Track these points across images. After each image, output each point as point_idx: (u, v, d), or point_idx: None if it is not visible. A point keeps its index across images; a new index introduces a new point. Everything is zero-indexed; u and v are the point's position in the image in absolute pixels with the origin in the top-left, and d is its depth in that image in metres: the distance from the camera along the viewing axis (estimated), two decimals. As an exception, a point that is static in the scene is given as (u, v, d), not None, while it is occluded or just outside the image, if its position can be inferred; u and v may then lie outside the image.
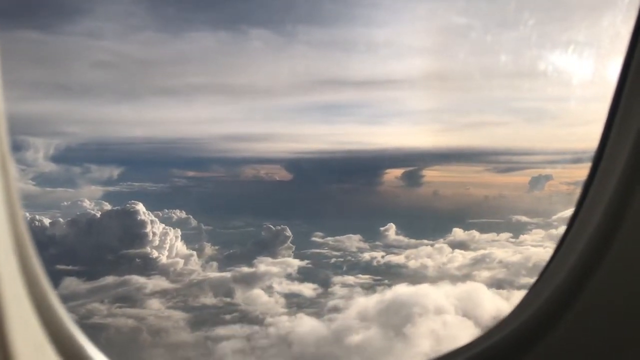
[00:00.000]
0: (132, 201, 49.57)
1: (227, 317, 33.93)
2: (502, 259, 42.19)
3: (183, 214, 58.59)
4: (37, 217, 45.31)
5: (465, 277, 39.83)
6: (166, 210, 58.88)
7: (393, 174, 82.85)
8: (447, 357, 2.23)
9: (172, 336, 30.93)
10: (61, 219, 48.22)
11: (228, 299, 36.81)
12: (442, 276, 40.77)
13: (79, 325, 1.95)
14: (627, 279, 1.92)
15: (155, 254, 45.33)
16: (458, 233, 49.65)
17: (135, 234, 46.07)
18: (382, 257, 46.01)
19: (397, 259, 45.28)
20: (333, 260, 46.23)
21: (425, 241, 48.01)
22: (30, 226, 1.86)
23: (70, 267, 39.61)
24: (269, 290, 37.85)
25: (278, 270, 41.42)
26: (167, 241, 46.92)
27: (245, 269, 41.43)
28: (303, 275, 41.34)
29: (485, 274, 40.09)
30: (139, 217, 47.08)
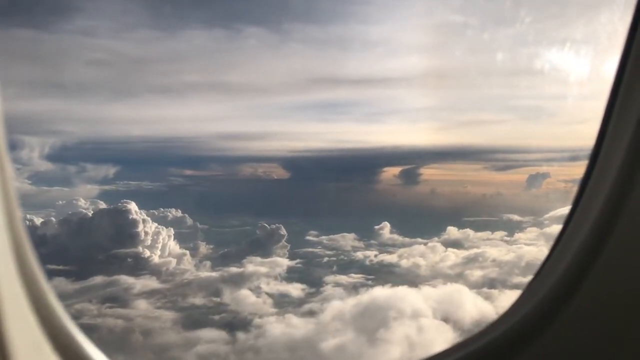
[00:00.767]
0: (125, 200, 49.36)
1: (216, 317, 33.56)
2: (495, 258, 41.92)
3: (179, 213, 58.47)
4: (28, 216, 45.00)
5: (458, 277, 39.60)
6: (162, 209, 58.78)
7: (391, 172, 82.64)
8: (442, 355, 2.22)
9: (156, 337, 30.55)
10: (53, 219, 48.04)
11: (218, 299, 36.46)
12: (434, 275, 40.52)
13: None
14: (623, 277, 1.91)
15: (147, 253, 45.02)
16: (452, 232, 49.56)
17: (126, 233, 45.76)
18: (375, 256, 45.79)
19: (390, 258, 45.04)
20: (326, 259, 45.96)
21: (420, 240, 47.79)
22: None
23: (60, 267, 39.30)
24: (257, 290, 37.50)
25: (266, 270, 41.04)
26: (160, 240, 46.64)
27: (234, 269, 41.10)
28: (292, 275, 41.08)
29: (478, 273, 39.78)
30: (130, 217, 46.78)
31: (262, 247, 50.25)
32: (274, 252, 48.87)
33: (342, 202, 72.58)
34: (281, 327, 31.25)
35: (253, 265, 42.03)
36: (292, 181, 79.97)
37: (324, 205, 67.35)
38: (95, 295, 35.16)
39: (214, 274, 40.73)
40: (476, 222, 52.13)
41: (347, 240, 49.75)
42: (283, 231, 51.41)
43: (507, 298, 33.78)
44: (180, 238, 50.60)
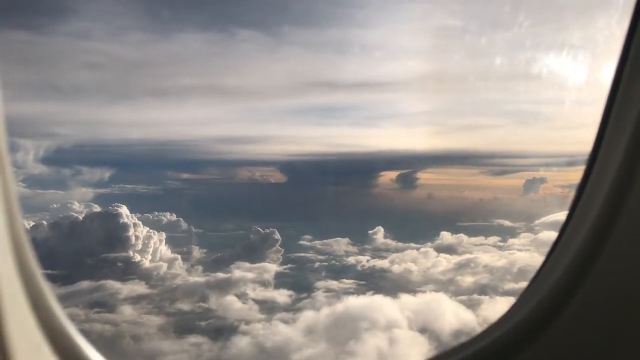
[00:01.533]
0: (116, 204, 48.98)
1: (203, 324, 33.08)
2: (487, 264, 41.33)
3: (173, 217, 58.22)
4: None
5: (449, 283, 39.03)
6: (156, 213, 58.58)
7: (388, 177, 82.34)
8: (441, 357, 2.24)
9: (138, 343, 30.09)
10: (45, 222, 47.67)
11: (205, 305, 35.97)
12: (426, 281, 40.00)
13: None
14: (620, 281, 1.92)
15: (137, 257, 44.63)
16: (446, 237, 49.14)
17: (117, 237, 45.36)
18: (367, 261, 45.32)
19: (381, 263, 44.50)
20: (317, 264, 45.53)
21: (413, 245, 47.35)
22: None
23: (48, 271, 38.91)
24: (243, 296, 36.91)
25: (253, 276, 40.49)
26: (151, 245, 46.26)
27: (221, 275, 40.59)
28: (280, 281, 40.56)
29: (469, 279, 39.22)
30: (121, 220, 46.40)
31: (256, 251, 49.90)
32: (268, 257, 48.56)
33: (338, 206, 72.21)
34: (250, 337, 30.56)
35: (240, 270, 41.51)
36: (289, 185, 79.78)
37: (320, 209, 67.06)
38: (82, 301, 34.74)
39: (203, 279, 40.34)
40: (470, 227, 51.89)
41: (341, 245, 49.42)
42: (277, 235, 51.06)
43: (497, 305, 33.28)
44: (174, 242, 50.37)
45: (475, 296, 35.32)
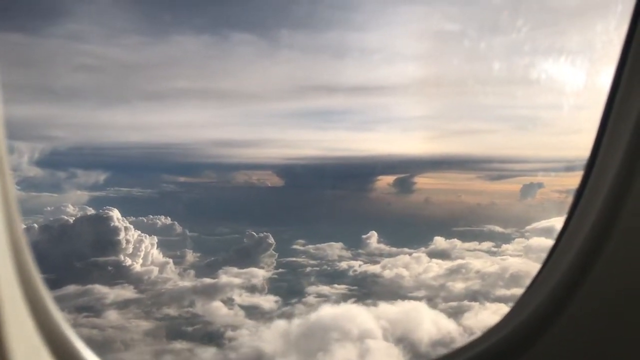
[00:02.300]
0: (107, 207, 48.59)
1: (189, 329, 32.61)
2: (479, 269, 40.83)
3: (168, 220, 57.90)
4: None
5: (440, 289, 38.48)
6: (151, 216, 58.25)
7: (385, 181, 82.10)
8: None
9: (119, 349, 29.64)
10: (36, 225, 47.27)
11: (192, 310, 35.48)
12: (418, 286, 39.47)
13: None
14: (618, 286, 1.92)
15: (128, 261, 44.22)
16: (439, 242, 48.60)
17: (107, 241, 44.94)
18: (360, 266, 44.82)
19: (373, 268, 44.01)
20: (308, 269, 45.06)
21: (407, 250, 46.94)
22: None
23: (36, 275, 38.39)
24: (229, 302, 36.41)
25: (240, 282, 39.92)
26: (142, 249, 45.84)
27: (208, 280, 40.09)
28: (267, 286, 40.03)
29: (460, 285, 38.67)
30: (112, 224, 45.99)
31: (249, 255, 49.50)
32: (261, 261, 48.16)
33: (334, 210, 71.99)
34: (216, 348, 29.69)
35: (228, 276, 40.96)
36: (286, 189, 79.55)
37: (315, 213, 66.87)
38: (68, 305, 34.28)
39: (191, 284, 39.88)
40: (464, 232, 51.50)
41: (334, 249, 49.04)
42: (271, 240, 50.67)
43: (482, 314, 32.71)
44: (168, 245, 50.08)
45: (466, 302, 34.91)
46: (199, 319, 33.80)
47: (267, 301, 36.52)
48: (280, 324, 31.78)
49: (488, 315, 31.23)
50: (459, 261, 42.90)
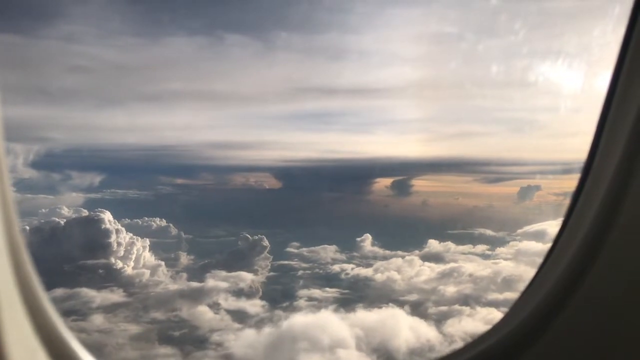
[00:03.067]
0: (98, 209, 48.24)
1: (176, 334, 32.12)
2: (471, 273, 40.23)
3: (163, 222, 57.64)
4: None
5: (431, 292, 37.94)
6: (146, 218, 57.99)
7: (383, 183, 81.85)
8: None
9: (102, 353, 29.15)
10: (27, 227, 46.89)
11: (179, 314, 34.95)
12: (410, 290, 38.92)
13: None
14: (614, 288, 1.92)
15: (119, 264, 43.83)
16: (433, 244, 48.14)
17: (98, 243, 44.55)
18: (352, 269, 44.34)
19: (365, 272, 43.47)
20: (300, 272, 44.58)
21: (400, 252, 46.46)
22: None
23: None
24: (215, 306, 35.79)
25: (228, 286, 39.30)
26: (134, 251, 45.45)
27: (195, 284, 39.56)
28: (261, 289, 39.49)
29: (452, 289, 38.08)
30: (103, 226, 45.57)
31: (244, 258, 49.13)
32: (255, 264, 47.77)
33: (331, 212, 71.61)
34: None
35: (216, 279, 40.36)
36: (283, 191, 79.32)
37: (312, 215, 66.57)
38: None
39: (181, 287, 39.39)
40: (459, 235, 51.04)
41: (328, 252, 48.59)
42: (265, 242, 50.28)
43: (472, 319, 32.13)
44: (163, 248, 49.77)
45: (457, 307, 34.34)
46: (185, 324, 33.35)
47: (254, 305, 35.93)
48: (249, 333, 30.94)
49: (471, 322, 30.62)
50: (452, 264, 42.43)
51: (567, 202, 2.09)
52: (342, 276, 43.20)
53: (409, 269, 42.29)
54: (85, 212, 50.74)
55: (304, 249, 49.60)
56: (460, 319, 31.57)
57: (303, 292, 39.66)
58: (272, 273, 44.77)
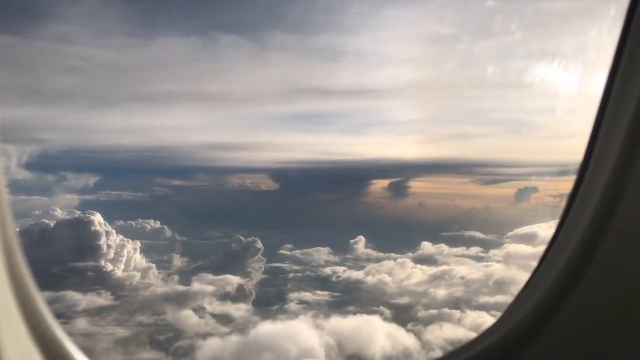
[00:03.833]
0: (88, 211, 47.84)
1: (161, 338, 31.56)
2: (463, 276, 39.60)
3: (157, 224, 57.31)
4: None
5: (421, 295, 37.35)
6: (140, 220, 57.67)
7: (380, 185, 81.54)
8: None
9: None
10: (17, 229, 46.43)
11: (164, 318, 34.38)
12: (401, 293, 38.32)
13: None
14: (611, 288, 1.92)
15: (109, 267, 43.41)
16: (427, 247, 47.61)
17: (87, 245, 44.13)
18: (344, 272, 43.73)
19: (356, 274, 42.84)
20: (291, 275, 44.06)
21: (394, 255, 45.89)
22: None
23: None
24: (200, 310, 35.07)
25: (214, 289, 38.55)
26: (124, 254, 45.04)
27: (180, 287, 38.96)
28: (240, 294, 38.86)
29: (442, 292, 37.46)
30: (93, 228, 45.14)
31: (238, 260, 48.75)
32: (249, 266, 47.38)
33: (327, 214, 71.22)
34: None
35: (202, 283, 39.67)
36: (280, 192, 79.05)
37: (308, 217, 66.25)
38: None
39: (167, 291, 38.87)
40: (453, 237, 50.55)
41: (321, 254, 48.13)
42: (259, 244, 49.89)
43: (469, 321, 31.55)
44: (156, 250, 49.43)
45: (446, 310, 33.72)
46: (169, 328, 32.80)
47: (238, 309, 35.25)
48: (213, 342, 29.77)
49: (451, 329, 29.86)
50: (443, 267, 41.83)
51: (563, 204, 2.08)
52: (334, 279, 42.74)
53: (400, 272, 41.78)
54: (78, 214, 50.40)
55: (297, 251, 49.20)
56: (441, 325, 30.80)
57: (294, 295, 39.19)
58: (264, 275, 44.29)
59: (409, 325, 31.42)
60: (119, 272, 43.32)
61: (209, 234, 57.96)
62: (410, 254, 45.91)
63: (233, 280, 40.35)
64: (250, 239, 50.12)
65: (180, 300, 35.93)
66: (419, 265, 42.61)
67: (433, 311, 33.73)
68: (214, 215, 70.69)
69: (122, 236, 46.44)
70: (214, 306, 35.23)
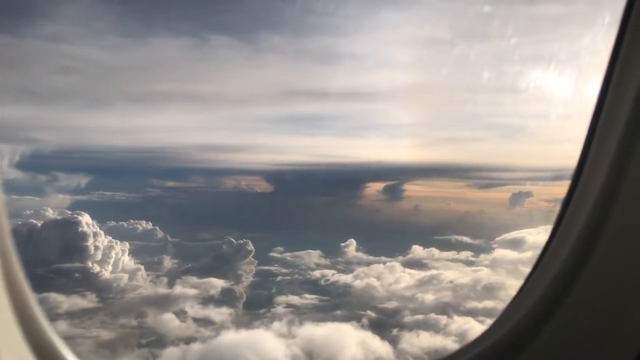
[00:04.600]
0: (76, 211, 47.36)
1: (143, 341, 31.06)
2: (452, 280, 39.15)
3: (149, 225, 56.80)
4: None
5: (409, 300, 36.91)
6: (132, 221, 57.19)
7: (375, 188, 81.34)
8: None
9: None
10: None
11: (146, 322, 33.85)
12: (389, 297, 37.87)
13: None
14: (605, 292, 1.93)
15: (96, 268, 42.91)
16: (417, 250, 47.02)
17: (74, 246, 43.61)
18: (332, 275, 43.31)
19: (345, 278, 42.37)
20: (279, 278, 43.57)
21: (384, 258, 45.48)
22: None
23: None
24: (182, 314, 34.46)
25: (196, 293, 37.97)
26: (112, 255, 44.55)
27: (162, 290, 38.43)
28: (229, 297, 38.39)
29: (429, 297, 36.97)
30: (80, 229, 44.63)
31: (228, 262, 48.29)
32: (239, 269, 46.93)
33: (321, 217, 70.85)
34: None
35: (184, 286, 39.09)
36: (274, 195, 78.74)
37: (302, 220, 65.93)
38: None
39: (149, 294, 38.37)
40: (444, 241, 50.17)
41: (312, 257, 47.68)
42: (250, 246, 49.41)
43: (455, 327, 31.05)
44: (147, 251, 48.99)
45: (433, 316, 33.24)
46: (150, 331, 32.30)
47: (220, 314, 34.56)
48: (172, 350, 28.77)
49: (428, 337, 29.21)
50: (432, 272, 41.35)
51: (557, 208, 2.07)
52: (322, 282, 42.29)
53: (389, 276, 41.33)
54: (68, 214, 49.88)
55: (288, 253, 48.79)
56: (419, 334, 30.07)
57: (281, 299, 38.74)
58: (254, 279, 43.83)
59: (395, 331, 31.01)
60: (106, 274, 42.83)
61: (202, 236, 57.44)
62: (401, 257, 45.53)
63: (217, 284, 39.83)
64: (241, 241, 49.62)
65: (162, 303, 35.47)
66: (407, 270, 42.24)
67: (419, 316, 33.33)
68: (207, 216, 70.25)
69: (110, 237, 45.99)
70: (195, 310, 34.64)
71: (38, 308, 1.91)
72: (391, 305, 36.26)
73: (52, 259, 42.03)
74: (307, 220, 65.51)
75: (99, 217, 49.14)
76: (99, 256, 43.84)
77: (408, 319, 33.18)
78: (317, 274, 43.78)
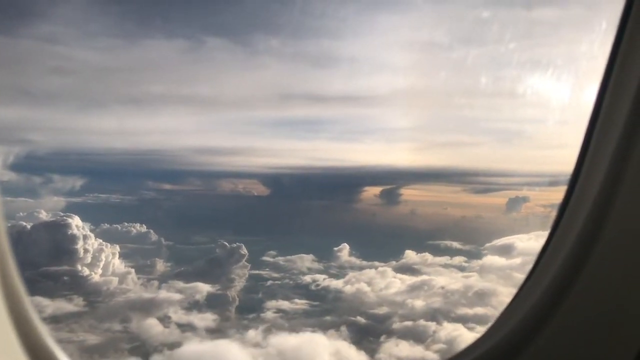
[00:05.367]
0: (66, 214, 46.99)
1: (127, 346, 30.54)
2: (443, 286, 38.70)
3: (143, 228, 56.44)
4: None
5: (399, 306, 36.44)
6: (126, 224, 56.81)
7: (371, 192, 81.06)
8: None
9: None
10: (-5, 232, 45.52)
11: (130, 327, 33.32)
12: (380, 302, 37.43)
13: None
14: (602, 297, 1.92)
15: (85, 271, 42.48)
16: (410, 255, 46.56)
17: (63, 249, 43.19)
18: (323, 280, 42.83)
19: (336, 283, 41.91)
20: (269, 282, 43.10)
21: (377, 263, 45.05)
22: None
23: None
24: (165, 319, 33.84)
25: (181, 297, 37.38)
26: (102, 258, 44.13)
27: (145, 295, 37.90)
28: (213, 302, 37.84)
29: (419, 303, 36.47)
30: (70, 232, 44.19)
31: (220, 266, 47.87)
32: (232, 272, 46.51)
33: (316, 221, 70.48)
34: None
35: (169, 291, 38.54)
36: (271, 198, 78.33)
37: (297, 224, 65.52)
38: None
39: (134, 298, 37.86)
40: (438, 246, 49.78)
41: (305, 261, 47.22)
42: (244, 250, 48.99)
43: (443, 334, 30.56)
44: (141, 254, 48.63)
45: (422, 322, 32.73)
46: (133, 336, 31.80)
47: (204, 319, 33.91)
48: None
49: (407, 347, 28.55)
50: (423, 277, 40.87)
51: (554, 214, 2.06)
52: (313, 287, 41.82)
53: (380, 281, 40.85)
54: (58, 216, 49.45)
55: (280, 258, 48.29)
56: (398, 343, 29.36)
57: (271, 304, 38.25)
58: (246, 283, 43.36)
59: (382, 338, 30.51)
60: (95, 277, 42.42)
61: (196, 239, 57.00)
62: (394, 262, 45.11)
63: (203, 289, 39.27)
64: (234, 245, 49.22)
65: (147, 308, 34.95)
66: (399, 275, 41.77)
67: (408, 323, 32.83)
68: (202, 219, 69.87)
69: (100, 240, 45.59)
70: (179, 315, 34.00)
71: (34, 311, 1.91)
72: (381, 310, 35.85)
73: (40, 262, 41.62)
74: (303, 224, 65.12)
75: (93, 219, 48.87)
76: (88, 259, 43.46)
77: (397, 325, 32.72)
78: (308, 278, 43.33)
